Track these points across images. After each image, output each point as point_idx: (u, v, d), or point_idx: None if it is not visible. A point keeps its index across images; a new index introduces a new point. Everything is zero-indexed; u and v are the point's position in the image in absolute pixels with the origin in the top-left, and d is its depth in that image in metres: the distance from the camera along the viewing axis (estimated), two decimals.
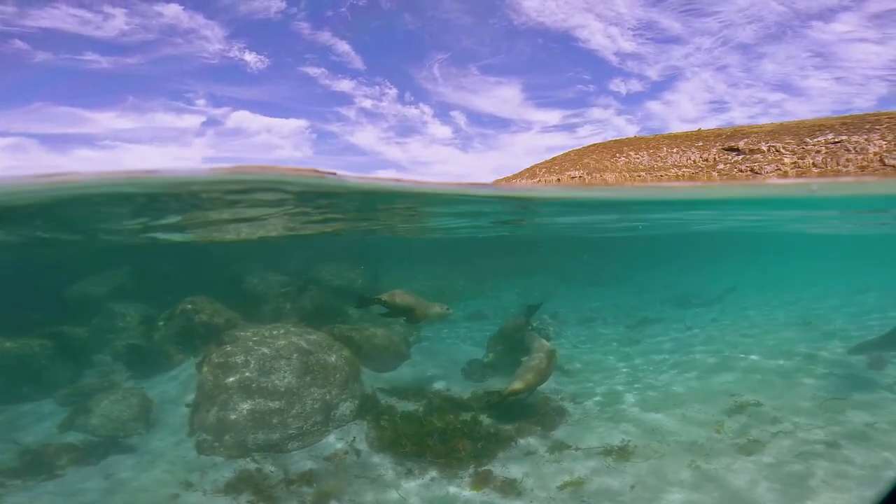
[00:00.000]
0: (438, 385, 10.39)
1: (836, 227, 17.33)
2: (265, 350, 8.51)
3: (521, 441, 7.82)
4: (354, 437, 8.03)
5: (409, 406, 9.14)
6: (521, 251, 24.96)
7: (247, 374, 8.10)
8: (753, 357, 11.09)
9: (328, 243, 18.42)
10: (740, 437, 7.46)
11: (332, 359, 8.86)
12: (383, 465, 7.31)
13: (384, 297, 9.03)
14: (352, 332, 10.66)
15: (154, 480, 7.13)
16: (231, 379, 7.98)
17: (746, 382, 9.77)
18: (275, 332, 9.12)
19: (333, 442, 7.99)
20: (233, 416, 7.74)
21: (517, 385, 8.24)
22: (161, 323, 10.83)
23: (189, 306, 10.76)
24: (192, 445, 8.02)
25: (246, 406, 7.82)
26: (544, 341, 9.39)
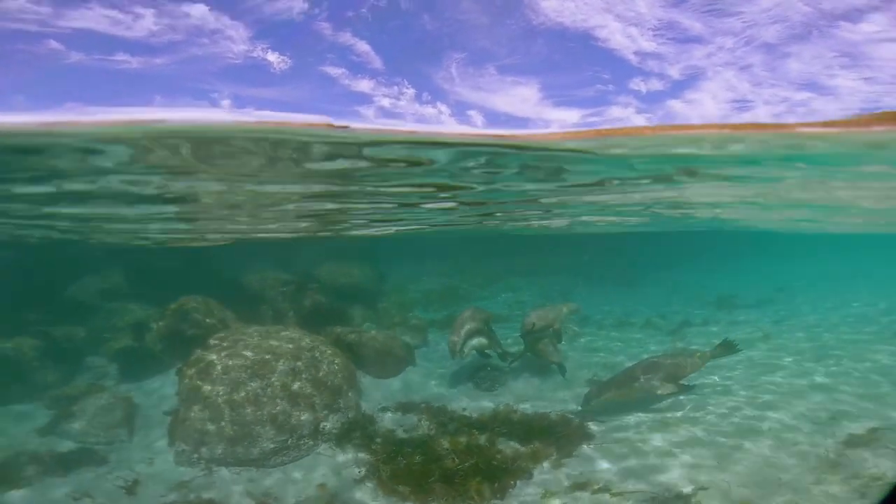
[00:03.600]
0: (443, 395, 9.59)
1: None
2: (251, 355, 7.89)
3: (545, 475, 6.65)
4: (344, 458, 7.33)
5: (410, 421, 8.36)
6: (537, 248, 23.88)
7: (228, 382, 7.49)
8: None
9: (333, 241, 17.86)
10: None
11: (325, 366, 8.19)
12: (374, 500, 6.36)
13: (527, 327, 9.46)
14: (350, 336, 9.99)
15: (127, 493, 6.60)
16: (210, 387, 7.38)
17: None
18: (265, 336, 8.50)
19: (320, 460, 7.31)
20: (210, 427, 7.13)
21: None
22: (152, 324, 10.35)
23: (180, 306, 10.25)
24: (171, 456, 7.48)
25: (225, 416, 7.20)
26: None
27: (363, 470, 6.95)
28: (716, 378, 9.37)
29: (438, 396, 9.50)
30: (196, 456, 7.11)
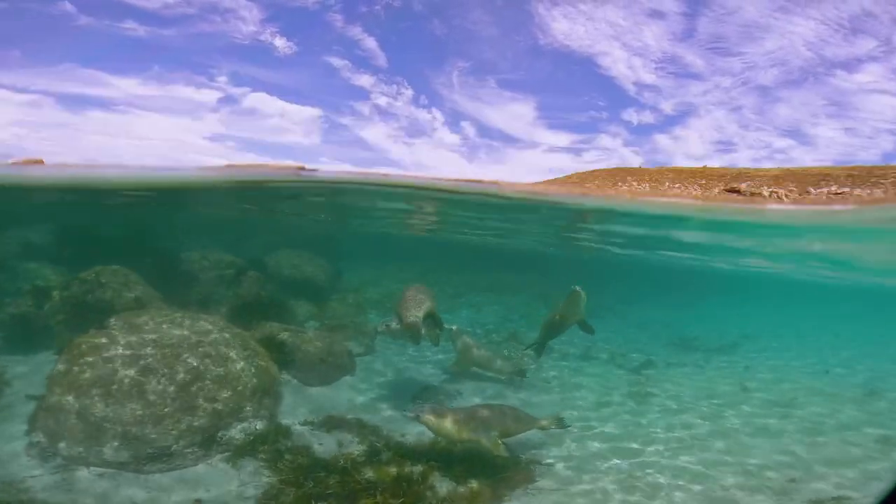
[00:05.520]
0: (380, 413, 8.48)
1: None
2: (149, 343, 6.66)
3: None
4: (239, 474, 6.15)
5: (333, 440, 7.24)
6: (503, 267, 23.03)
7: (110, 371, 6.23)
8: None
9: (297, 230, 16.65)
10: None
11: (240, 365, 7.00)
12: None
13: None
14: (282, 334, 8.79)
15: None
16: (87, 374, 6.12)
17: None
18: (175, 323, 7.27)
19: (209, 473, 6.12)
20: (75, 421, 5.87)
21: None
22: (55, 292, 8.95)
23: (91, 276, 8.92)
24: (23, 447, 6.16)
25: (98, 409, 5.94)
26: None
27: (259, 491, 5.81)
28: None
29: (373, 414, 8.39)
30: (52, 451, 5.86)
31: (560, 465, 7.24)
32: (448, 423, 6.38)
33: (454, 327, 10.60)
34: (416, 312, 7.08)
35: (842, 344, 18.89)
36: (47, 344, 8.77)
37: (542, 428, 7.45)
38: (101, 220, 14.05)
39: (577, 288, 8.34)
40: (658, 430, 8.67)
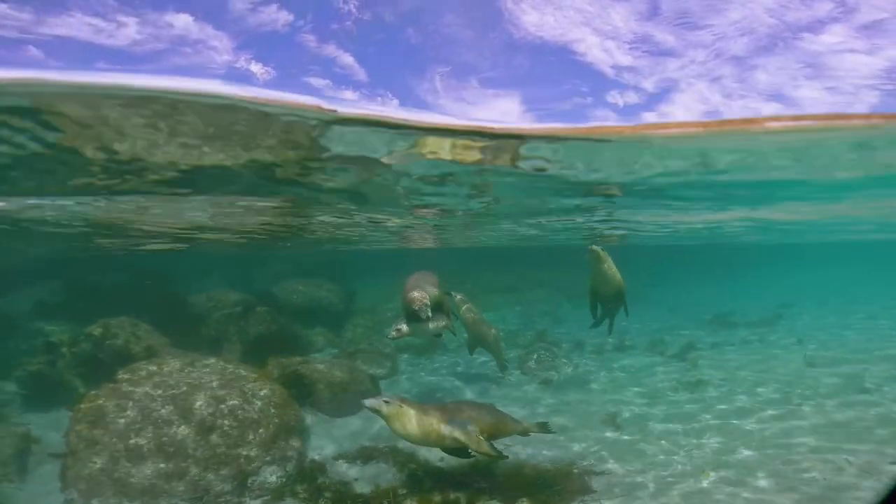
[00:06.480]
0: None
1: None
2: (161, 393, 6.27)
3: None
4: None
5: (370, 472, 6.76)
6: (520, 265, 22.41)
7: (125, 425, 5.86)
8: None
9: (301, 257, 16.30)
10: None
11: (257, 405, 6.57)
12: None
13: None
14: (298, 367, 8.35)
15: None
16: (102, 431, 5.78)
17: None
18: (186, 369, 6.88)
19: None
20: (101, 478, 5.57)
21: None
22: (64, 349, 8.65)
23: (98, 330, 8.61)
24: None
25: (121, 466, 5.60)
26: None
27: None
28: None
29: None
30: None
31: (620, 470, 6.65)
32: (413, 415, 5.31)
33: (458, 295, 9.47)
34: (420, 292, 6.45)
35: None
36: (63, 400, 8.51)
37: (525, 433, 6.49)
38: (106, 269, 13.86)
39: (593, 247, 7.58)
40: (727, 421, 7.93)
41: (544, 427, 6.65)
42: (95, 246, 12.46)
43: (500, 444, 6.12)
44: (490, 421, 5.86)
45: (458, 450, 5.68)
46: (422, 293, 6.39)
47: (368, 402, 5.30)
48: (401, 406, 5.31)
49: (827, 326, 14.94)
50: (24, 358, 9.89)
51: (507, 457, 6.03)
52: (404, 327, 6.63)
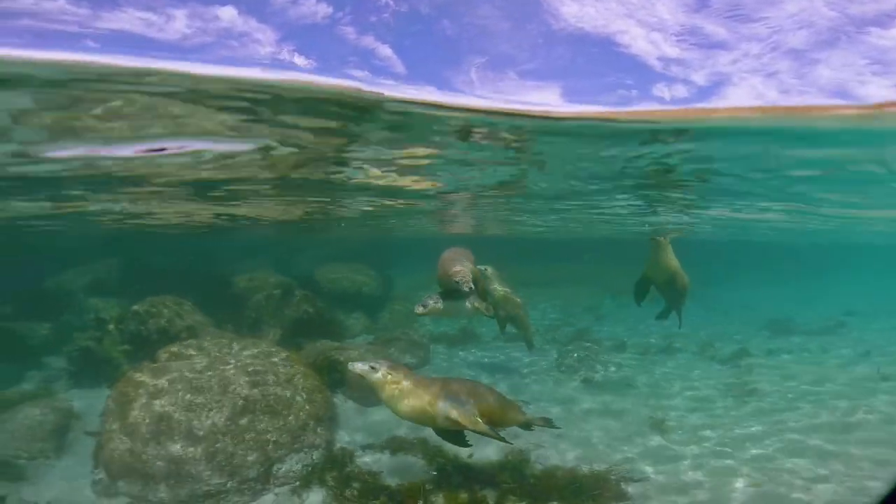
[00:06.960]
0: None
1: None
2: (198, 374, 6.33)
3: None
4: None
5: (398, 463, 6.64)
6: (559, 258, 21.65)
7: (160, 405, 5.94)
8: None
9: (342, 242, 16.39)
10: None
11: (289, 392, 6.53)
12: None
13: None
14: (334, 353, 8.30)
15: None
16: (137, 411, 5.86)
17: None
18: (222, 351, 6.94)
19: None
20: (128, 459, 5.66)
21: None
22: (111, 325, 8.98)
23: (143, 308, 8.87)
24: (88, 483, 6.03)
25: (149, 447, 5.68)
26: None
27: None
28: None
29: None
30: (113, 489, 5.72)
31: (660, 479, 6.22)
32: (404, 385, 4.67)
33: (488, 269, 8.64)
34: (461, 265, 5.82)
35: None
36: (108, 376, 8.83)
37: (528, 425, 5.79)
38: (158, 249, 14.42)
39: (660, 237, 7.41)
40: (783, 436, 7.27)
41: (548, 422, 6.08)
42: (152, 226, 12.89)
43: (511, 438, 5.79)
44: (492, 403, 5.19)
45: (452, 434, 5.10)
46: (463, 267, 5.86)
47: (353, 366, 4.75)
48: (389, 373, 4.66)
49: None
50: (76, 333, 10.42)
51: (511, 443, 5.68)
52: (433, 302, 6.07)
